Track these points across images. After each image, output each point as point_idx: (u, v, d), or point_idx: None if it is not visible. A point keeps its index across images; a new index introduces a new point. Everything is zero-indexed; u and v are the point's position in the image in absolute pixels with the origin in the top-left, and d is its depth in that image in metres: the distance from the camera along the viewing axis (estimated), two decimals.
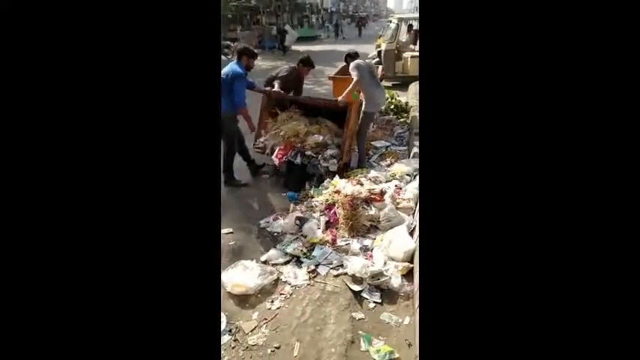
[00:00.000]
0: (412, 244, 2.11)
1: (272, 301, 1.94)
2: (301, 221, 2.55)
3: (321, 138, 3.21)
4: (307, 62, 3.56)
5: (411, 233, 2.27)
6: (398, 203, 2.54)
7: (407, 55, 6.91)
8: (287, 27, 15.53)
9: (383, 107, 4.27)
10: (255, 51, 3.24)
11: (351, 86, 3.07)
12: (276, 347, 1.65)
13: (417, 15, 9.00)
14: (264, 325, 1.78)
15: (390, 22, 7.84)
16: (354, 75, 3.09)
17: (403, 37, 7.78)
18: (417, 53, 6.96)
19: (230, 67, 2.98)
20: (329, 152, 3.14)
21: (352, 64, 3.17)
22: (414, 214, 2.44)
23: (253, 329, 1.75)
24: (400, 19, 7.44)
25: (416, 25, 7.89)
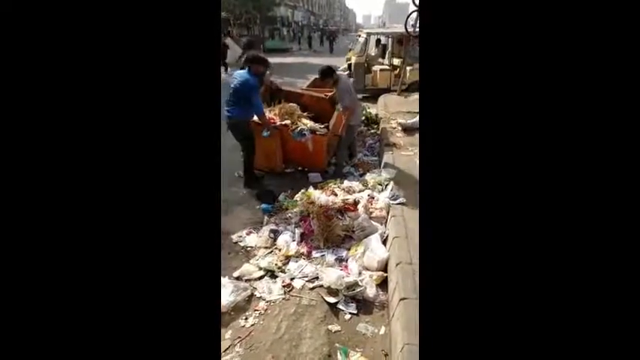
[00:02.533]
0: (385, 253, 2.14)
1: (246, 318, 1.88)
2: (275, 234, 2.51)
3: (311, 123, 3.41)
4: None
5: (384, 242, 2.30)
6: (371, 213, 2.57)
7: (376, 68, 7.13)
8: (228, 40, 12.69)
9: None
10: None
11: (345, 117, 3.23)
12: None
13: (385, 30, 9.35)
14: (238, 344, 1.72)
15: (359, 36, 8.09)
16: (347, 100, 3.17)
17: (372, 51, 8.03)
18: (386, 67, 7.22)
19: (243, 77, 2.97)
20: None
21: (341, 87, 3.21)
22: (386, 223, 2.49)
23: (227, 349, 1.68)
24: (369, 34, 7.69)
25: (384, 40, 8.20)
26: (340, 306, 1.93)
